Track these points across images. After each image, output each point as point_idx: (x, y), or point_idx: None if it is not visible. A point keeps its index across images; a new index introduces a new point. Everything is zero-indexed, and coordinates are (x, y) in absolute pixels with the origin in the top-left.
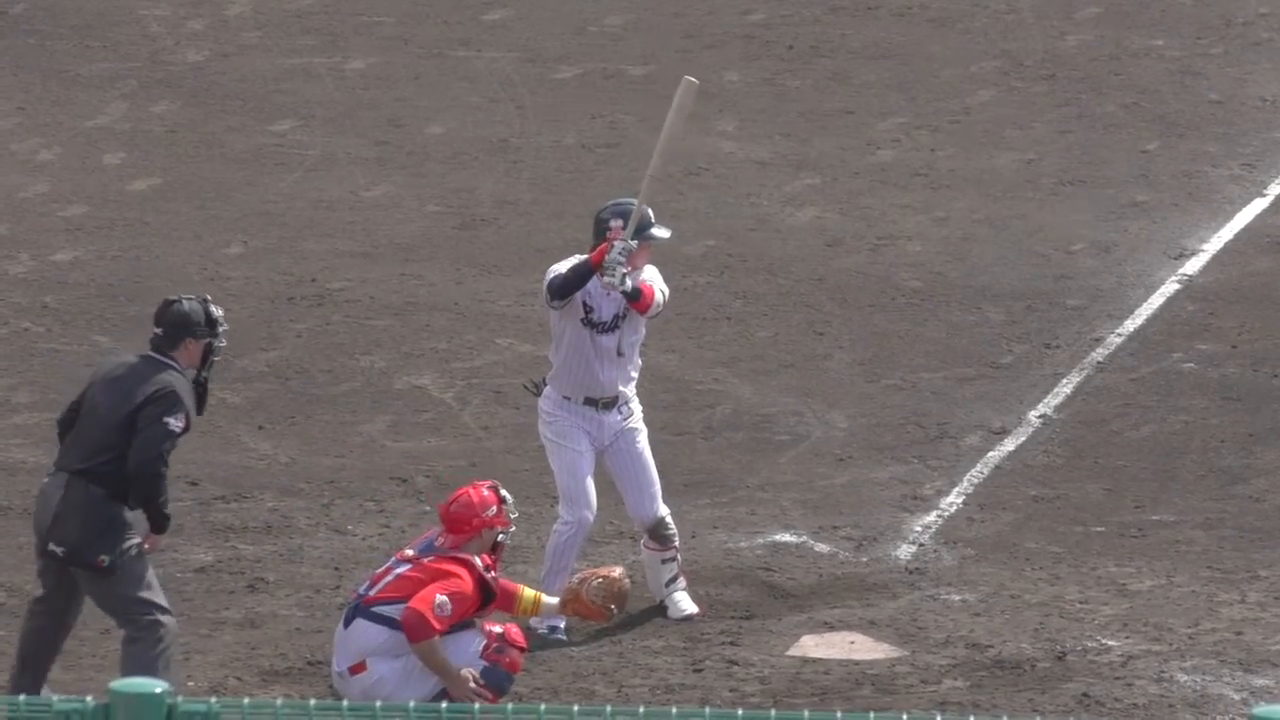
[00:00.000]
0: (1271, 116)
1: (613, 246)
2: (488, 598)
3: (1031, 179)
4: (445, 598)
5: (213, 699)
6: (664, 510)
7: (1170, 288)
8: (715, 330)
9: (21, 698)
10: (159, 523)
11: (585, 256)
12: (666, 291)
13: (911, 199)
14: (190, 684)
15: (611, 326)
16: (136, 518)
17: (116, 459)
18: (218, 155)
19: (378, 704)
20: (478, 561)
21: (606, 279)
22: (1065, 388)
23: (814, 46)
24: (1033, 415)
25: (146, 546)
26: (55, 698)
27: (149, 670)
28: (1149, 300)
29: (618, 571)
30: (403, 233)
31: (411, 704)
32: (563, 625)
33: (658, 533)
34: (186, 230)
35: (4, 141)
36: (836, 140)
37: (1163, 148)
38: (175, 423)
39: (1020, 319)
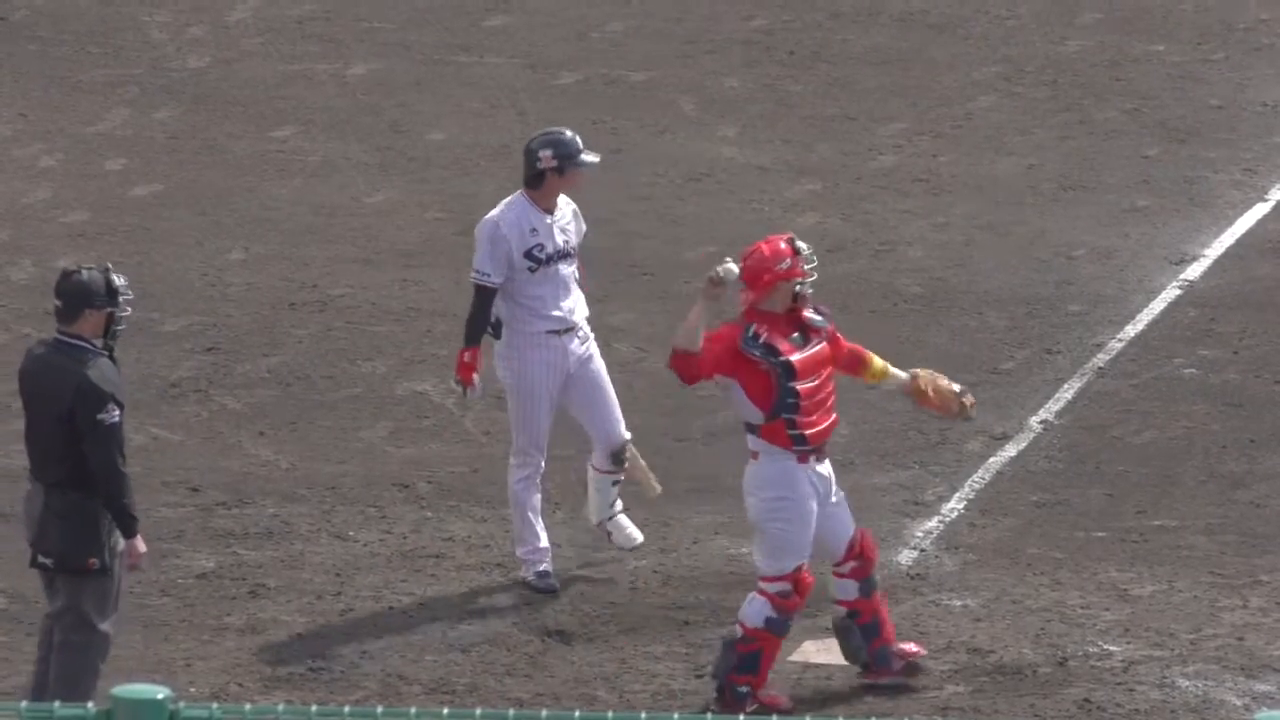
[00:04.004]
0: (1273, 121)
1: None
2: (782, 365)
3: (1033, 184)
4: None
5: (214, 705)
6: (628, 434)
7: (1171, 293)
8: None
9: (23, 704)
10: (125, 523)
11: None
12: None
13: (913, 205)
14: (192, 690)
15: (564, 254)
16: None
17: (76, 462)
18: (219, 161)
19: (379, 709)
20: (749, 329)
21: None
22: (1066, 393)
23: (815, 52)
24: (1034, 421)
25: (129, 562)
26: (56, 703)
27: (75, 681)
28: (1150, 306)
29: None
30: (404, 238)
31: (413, 710)
32: (552, 571)
33: (619, 456)
34: (188, 236)
35: (5, 148)
36: (838, 146)
37: (1164, 153)
38: (109, 416)
39: (1021, 324)
